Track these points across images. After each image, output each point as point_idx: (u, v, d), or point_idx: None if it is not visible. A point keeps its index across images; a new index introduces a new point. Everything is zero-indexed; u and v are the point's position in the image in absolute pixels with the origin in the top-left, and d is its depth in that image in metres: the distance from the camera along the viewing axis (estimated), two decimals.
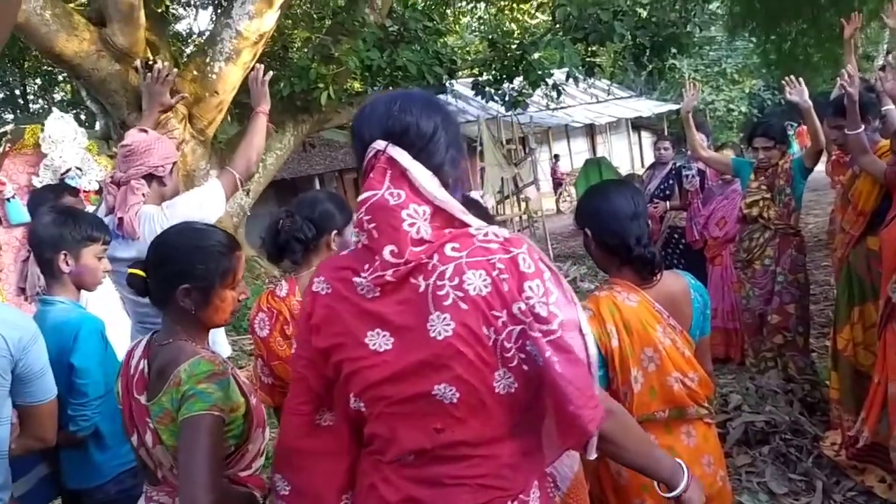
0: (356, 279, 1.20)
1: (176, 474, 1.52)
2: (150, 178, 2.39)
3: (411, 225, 1.15)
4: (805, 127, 4.08)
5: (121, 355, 2.28)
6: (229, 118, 9.04)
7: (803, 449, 3.30)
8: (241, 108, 9.39)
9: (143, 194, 2.35)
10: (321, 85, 7.38)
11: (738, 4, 11.03)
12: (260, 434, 1.64)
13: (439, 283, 1.15)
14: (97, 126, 9.71)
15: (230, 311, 1.63)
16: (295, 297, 2.12)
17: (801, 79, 3.68)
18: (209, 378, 1.48)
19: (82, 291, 2.18)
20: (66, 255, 2.07)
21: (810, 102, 3.62)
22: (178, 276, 1.54)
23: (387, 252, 1.15)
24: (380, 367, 1.19)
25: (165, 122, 6.64)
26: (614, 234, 1.88)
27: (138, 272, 1.59)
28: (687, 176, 5.03)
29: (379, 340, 1.19)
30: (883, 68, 3.51)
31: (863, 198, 3.24)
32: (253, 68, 2.74)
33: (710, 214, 4.79)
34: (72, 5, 6.88)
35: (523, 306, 1.15)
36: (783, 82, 3.77)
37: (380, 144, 1.18)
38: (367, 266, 1.18)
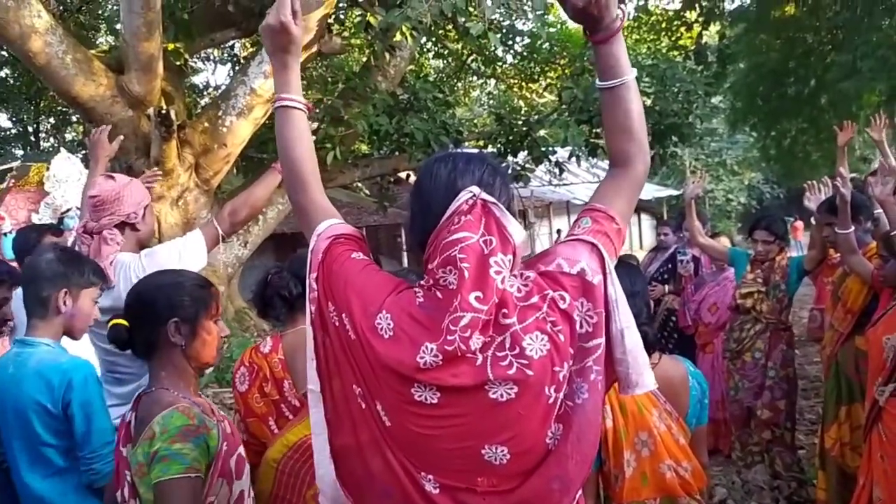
0: (426, 345, 1.17)
1: None
2: (122, 225, 2.36)
3: (498, 273, 1.17)
4: (800, 223, 4.12)
5: None
6: (235, 170, 9.16)
7: None
8: (248, 162, 9.54)
9: (118, 243, 2.32)
10: (328, 145, 7.51)
11: (741, 100, 11.37)
12: (222, 485, 1.53)
13: (499, 353, 1.16)
14: None
15: (216, 346, 1.63)
16: (277, 355, 2.09)
17: (820, 185, 3.72)
18: (183, 436, 1.43)
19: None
20: (66, 293, 1.98)
21: None
22: (167, 310, 1.57)
23: (472, 297, 1.15)
24: (425, 418, 1.19)
25: (172, 170, 6.73)
26: None
27: (121, 321, 1.58)
28: (682, 261, 5.06)
29: (425, 394, 1.19)
30: (874, 173, 3.59)
31: (852, 296, 3.25)
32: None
33: (703, 300, 4.80)
34: (93, 52, 7.07)
35: (577, 344, 1.20)
36: (805, 186, 3.82)
37: (475, 189, 1.20)
38: (437, 326, 1.17)
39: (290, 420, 2.00)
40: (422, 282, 1.23)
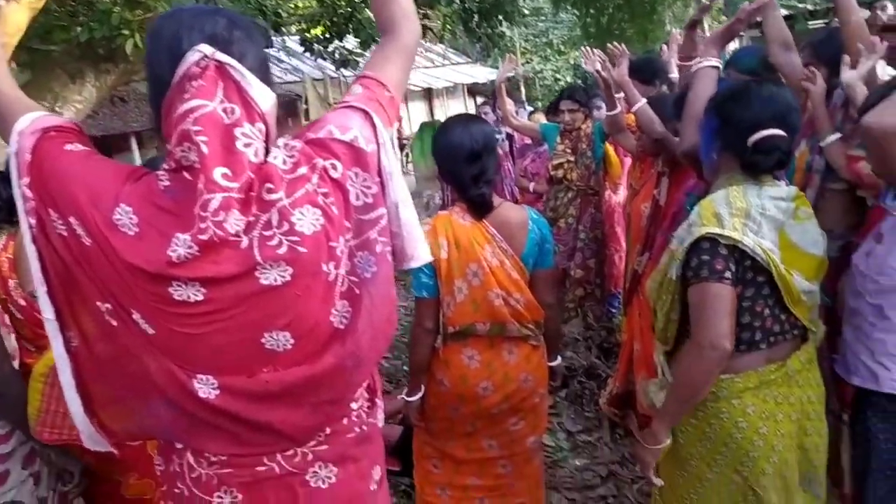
0: (177, 236, 1.03)
1: None
2: None
3: (247, 146, 1.04)
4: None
5: None
6: (15, 65, 7.96)
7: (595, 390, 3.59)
8: (33, 55, 8.32)
9: None
10: (125, 32, 6.67)
11: None
12: None
13: (266, 233, 1.05)
14: None
15: None
16: (6, 253, 1.94)
17: (598, 51, 3.87)
18: None
19: None
20: None
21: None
22: None
23: (218, 175, 1.02)
24: (192, 317, 1.07)
25: None
26: (449, 172, 2.08)
27: None
28: (497, 140, 5.24)
29: (187, 291, 1.05)
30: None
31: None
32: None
33: (525, 169, 4.98)
34: None
35: (353, 215, 1.13)
36: (583, 53, 3.94)
37: (206, 49, 1.03)
38: (186, 215, 1.02)
39: (18, 320, 1.90)
40: (165, 165, 1.07)
